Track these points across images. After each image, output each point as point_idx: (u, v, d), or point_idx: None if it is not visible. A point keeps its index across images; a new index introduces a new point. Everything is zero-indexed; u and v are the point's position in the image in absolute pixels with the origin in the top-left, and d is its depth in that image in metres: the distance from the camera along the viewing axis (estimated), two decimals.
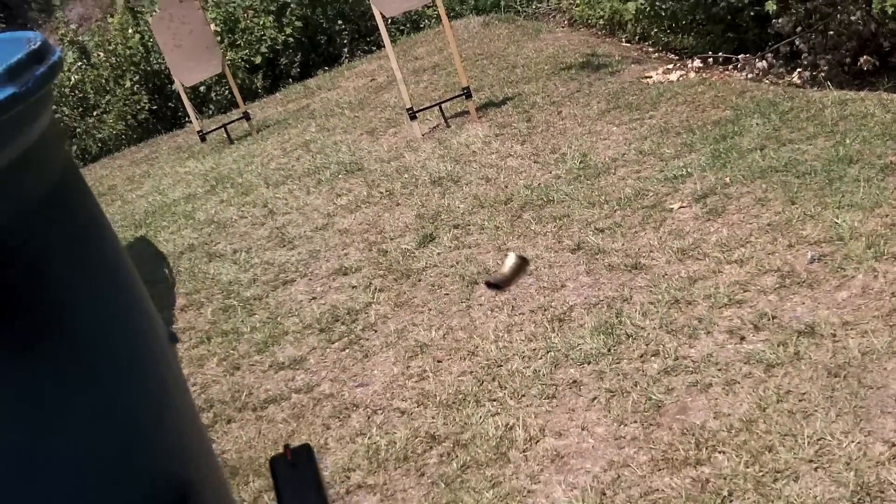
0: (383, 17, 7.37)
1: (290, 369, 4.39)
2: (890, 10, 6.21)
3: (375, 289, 4.98)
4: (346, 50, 13.54)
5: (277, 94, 12.34)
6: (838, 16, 7.42)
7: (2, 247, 1.02)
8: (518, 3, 13.20)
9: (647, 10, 9.18)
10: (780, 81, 7.56)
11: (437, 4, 7.45)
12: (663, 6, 9.10)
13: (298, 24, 13.28)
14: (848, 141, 5.14)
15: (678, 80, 7.41)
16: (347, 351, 4.41)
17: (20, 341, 1.03)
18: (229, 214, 6.96)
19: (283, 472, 1.46)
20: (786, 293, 3.83)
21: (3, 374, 1.02)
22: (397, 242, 5.52)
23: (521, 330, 4.13)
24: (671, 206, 4.95)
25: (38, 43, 1.11)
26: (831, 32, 7.45)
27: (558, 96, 7.57)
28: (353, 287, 5.08)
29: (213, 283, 5.71)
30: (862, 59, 7.21)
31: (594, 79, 7.88)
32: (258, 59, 13.24)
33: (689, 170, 5.36)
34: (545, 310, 4.24)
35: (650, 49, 9.77)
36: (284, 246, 6.00)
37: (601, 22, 10.86)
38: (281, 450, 1.50)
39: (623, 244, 4.66)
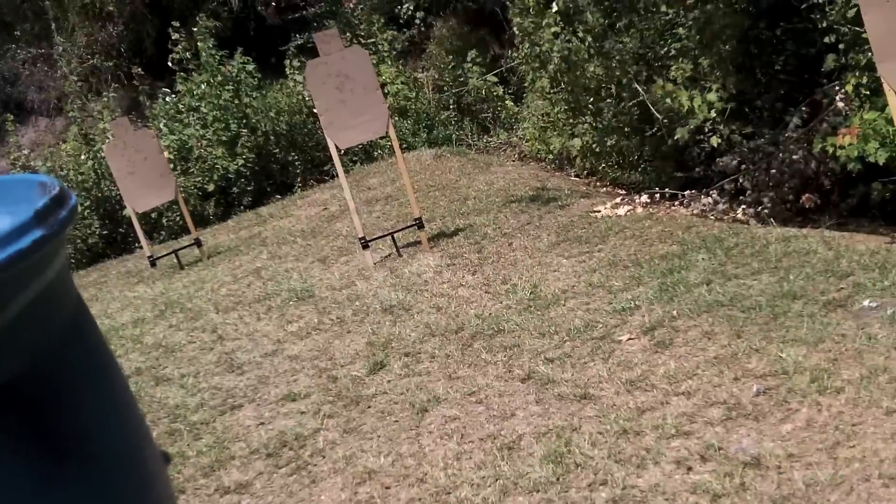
0: (337, 148, 7.50)
1: (235, 494, 4.33)
2: (830, 150, 6.44)
3: (324, 415, 4.95)
4: (298, 179, 13.69)
5: (230, 221, 12.39)
6: (781, 155, 7.67)
7: (33, 375, 1.05)
8: (469, 136, 13.49)
9: (594, 145, 9.43)
10: (725, 217, 7.75)
11: (390, 136, 7.60)
12: (609, 142, 9.36)
13: (251, 155, 13.43)
14: (792, 277, 5.26)
15: (626, 214, 7.57)
16: (295, 476, 4.36)
17: (45, 466, 1.06)
18: (178, 339, 6.92)
19: None
20: (732, 425, 3.87)
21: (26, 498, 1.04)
22: (347, 369, 5.51)
23: (471, 458, 4.12)
24: (620, 338, 5.01)
25: (58, 188, 1.17)
26: (774, 171, 7.69)
27: (509, 228, 7.69)
28: (302, 413, 5.05)
29: (160, 407, 5.65)
30: (804, 197, 7.44)
31: (544, 212, 8.03)
32: (211, 187, 13.33)
33: (637, 302, 5.45)
34: (495, 438, 4.24)
35: (598, 184, 9.99)
36: (233, 371, 5.97)
37: (550, 157, 11.11)
38: None
39: (572, 374, 4.70)
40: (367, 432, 4.64)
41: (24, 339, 1.06)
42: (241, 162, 13.33)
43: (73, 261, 13.00)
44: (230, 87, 13.63)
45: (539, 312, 5.68)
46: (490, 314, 5.85)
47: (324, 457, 4.49)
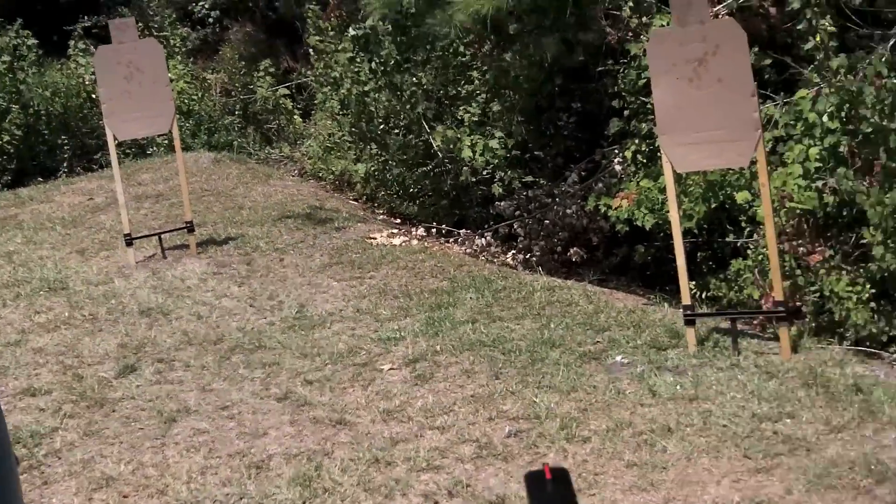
0: (115, 139, 7.24)
1: None
2: (603, 209, 6.69)
3: (65, 414, 4.71)
4: (65, 164, 13.08)
5: None
6: (556, 207, 7.92)
7: None
8: (251, 145, 13.26)
9: (377, 173, 9.47)
10: (496, 260, 7.92)
11: (172, 134, 7.39)
12: (391, 172, 9.42)
13: (18, 132, 12.76)
14: (553, 325, 5.41)
15: (401, 244, 7.61)
16: (26, 475, 4.12)
17: None
18: None
19: (538, 489, 1.45)
20: (482, 463, 3.93)
21: None
22: (95, 369, 5.27)
23: (217, 473, 4.00)
24: (382, 367, 5.02)
25: None
26: (547, 221, 7.92)
27: (282, 244, 7.58)
28: (41, 409, 4.79)
29: None
30: (572, 251, 7.70)
31: (319, 232, 7.96)
32: None
33: (402, 333, 5.47)
34: (244, 455, 4.14)
35: (377, 210, 10.02)
36: None
37: (331, 177, 11.06)
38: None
39: (330, 399, 4.66)
40: (110, 437, 4.44)
41: None
42: (6, 138, 12.63)
43: None
44: (5, 59, 12.93)
45: (303, 332, 5.62)
46: (252, 328, 5.75)
47: (59, 458, 4.27)
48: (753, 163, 4.91)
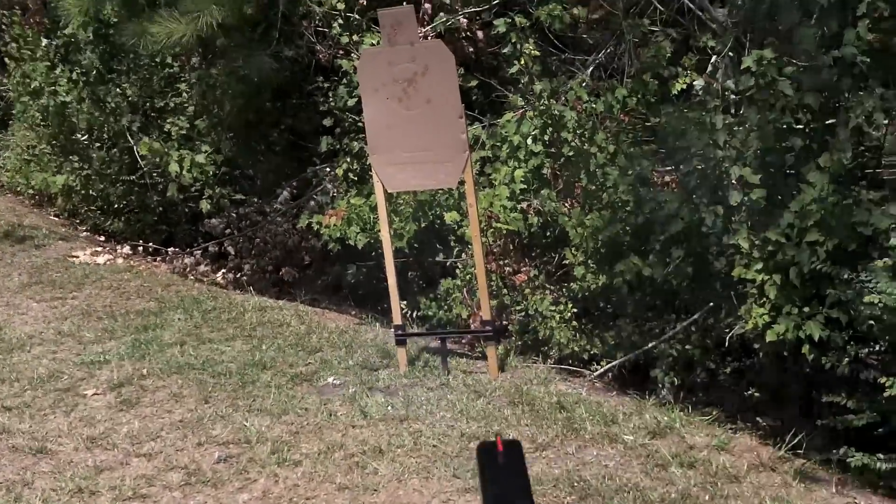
0: None
1: None
2: (315, 228, 6.69)
3: None
4: None
5: None
6: (267, 225, 7.86)
7: None
8: None
9: (78, 186, 9.10)
10: (205, 279, 7.77)
11: None
12: (95, 186, 9.06)
13: None
14: (264, 347, 5.38)
15: (106, 263, 7.35)
16: None
17: None
18: None
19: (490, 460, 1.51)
20: (190, 491, 3.84)
21: None
22: None
23: None
24: (85, 392, 4.82)
25: None
26: (258, 240, 7.85)
27: None
28: None
29: None
30: (284, 270, 7.67)
31: (18, 249, 7.59)
32: None
33: (107, 357, 5.28)
34: None
35: (80, 227, 9.61)
36: None
37: (31, 191, 10.53)
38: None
39: (30, 426, 4.43)
40: None
41: None
42: None
43: None
44: None
45: (0, 357, 5.32)
46: None
47: None
48: (462, 183, 5.02)
